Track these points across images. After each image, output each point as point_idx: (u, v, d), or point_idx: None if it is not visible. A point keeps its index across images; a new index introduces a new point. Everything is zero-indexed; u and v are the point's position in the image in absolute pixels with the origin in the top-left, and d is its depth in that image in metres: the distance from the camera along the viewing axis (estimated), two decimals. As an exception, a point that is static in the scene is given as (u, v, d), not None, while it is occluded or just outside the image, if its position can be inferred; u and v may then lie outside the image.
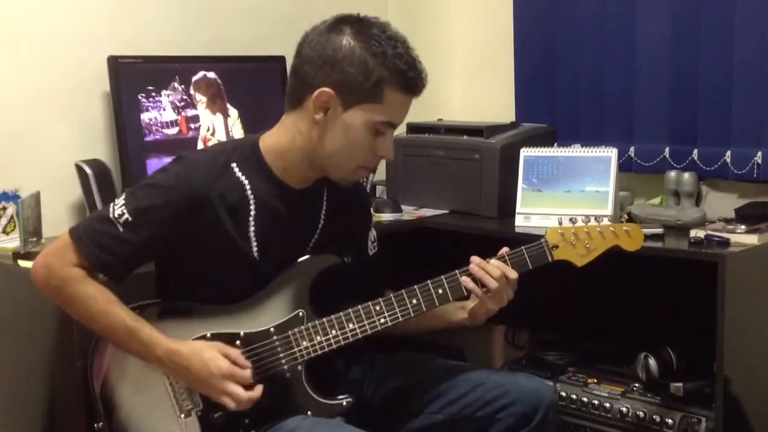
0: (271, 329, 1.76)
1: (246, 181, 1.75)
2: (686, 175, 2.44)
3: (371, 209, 2.08)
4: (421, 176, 2.72)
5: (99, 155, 2.47)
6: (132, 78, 2.49)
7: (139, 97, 2.50)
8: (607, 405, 2.31)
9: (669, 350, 2.25)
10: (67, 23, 2.49)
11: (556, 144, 2.71)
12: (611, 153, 2.40)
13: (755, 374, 2.15)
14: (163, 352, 1.70)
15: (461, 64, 3.14)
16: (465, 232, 2.51)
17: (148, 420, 1.77)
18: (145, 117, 2.51)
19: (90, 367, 1.79)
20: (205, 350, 1.70)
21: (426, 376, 1.91)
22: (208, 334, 1.75)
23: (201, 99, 2.63)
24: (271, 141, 1.78)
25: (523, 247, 1.83)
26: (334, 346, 1.76)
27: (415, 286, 1.79)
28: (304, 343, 1.75)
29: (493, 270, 1.79)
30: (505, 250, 1.83)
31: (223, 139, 2.66)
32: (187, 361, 1.69)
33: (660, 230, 2.19)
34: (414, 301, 1.78)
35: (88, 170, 2.35)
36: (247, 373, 1.70)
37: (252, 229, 1.75)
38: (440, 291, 1.79)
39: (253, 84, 2.73)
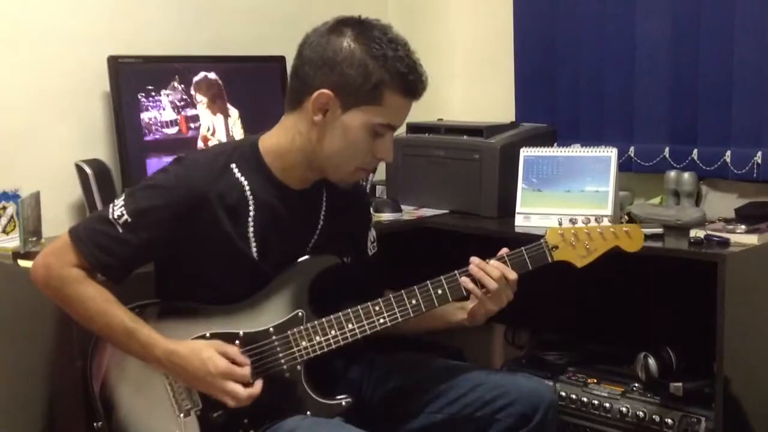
0: (271, 329, 1.76)
1: (245, 182, 1.75)
2: (686, 175, 2.44)
3: (371, 209, 2.08)
4: (421, 176, 2.72)
5: (99, 155, 2.47)
6: (132, 78, 2.49)
7: (139, 97, 2.50)
8: (607, 405, 2.31)
9: (669, 350, 2.25)
10: (67, 23, 2.49)
11: (556, 144, 2.71)
12: (611, 153, 2.40)
13: (755, 374, 2.15)
14: (161, 353, 1.70)
15: (461, 64, 3.14)
16: (465, 232, 2.51)
17: (148, 420, 1.77)
18: (144, 117, 2.51)
19: (89, 367, 1.79)
20: (203, 349, 1.70)
21: (425, 377, 1.91)
22: (208, 334, 1.75)
23: (201, 99, 2.63)
24: (270, 142, 1.78)
25: (522, 248, 1.83)
26: (334, 347, 1.76)
27: (415, 287, 1.79)
28: (304, 343, 1.75)
29: (492, 271, 1.78)
30: (504, 250, 1.83)
31: (223, 139, 2.66)
32: (186, 361, 1.69)
33: (660, 230, 2.19)
34: (413, 302, 1.78)
35: (88, 170, 2.35)
36: (246, 370, 1.70)
37: (251, 229, 1.75)
38: (439, 291, 1.79)
39: (253, 84, 2.73)
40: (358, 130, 1.70)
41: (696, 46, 2.46)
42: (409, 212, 2.67)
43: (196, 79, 2.62)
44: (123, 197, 1.75)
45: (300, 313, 1.77)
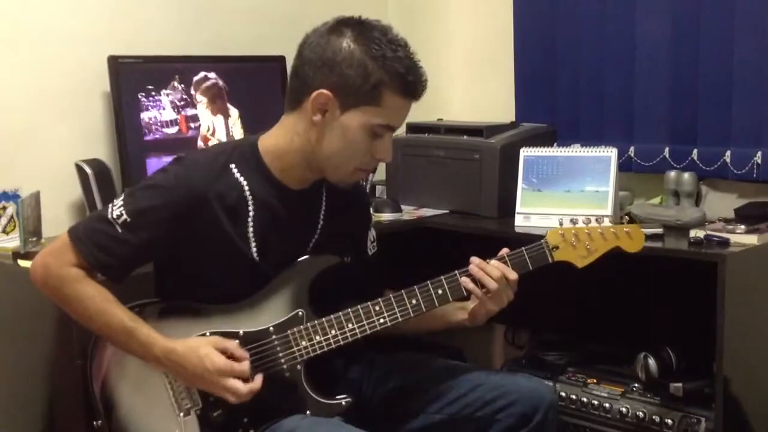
0: (271, 329, 1.76)
1: (244, 182, 1.75)
2: (686, 175, 2.44)
3: (371, 209, 2.08)
4: (421, 176, 2.72)
5: (99, 155, 2.47)
6: (132, 78, 2.49)
7: (139, 97, 2.50)
8: (607, 405, 2.31)
9: (669, 350, 2.25)
10: (67, 23, 2.49)
11: (556, 144, 2.70)
12: (611, 153, 2.40)
13: (755, 374, 2.15)
14: (160, 351, 1.70)
15: (461, 64, 3.14)
16: (465, 232, 2.51)
17: (148, 419, 1.77)
18: (144, 116, 2.51)
19: (89, 367, 1.79)
20: (201, 347, 1.70)
21: (425, 377, 1.91)
22: (208, 333, 1.75)
23: (201, 99, 2.63)
24: (269, 142, 1.79)
25: (523, 248, 1.83)
26: (333, 346, 1.76)
27: (415, 287, 1.79)
28: (303, 343, 1.75)
29: (492, 271, 1.78)
30: (505, 251, 1.83)
31: (223, 139, 2.66)
32: (184, 359, 1.69)
33: (660, 230, 2.19)
34: (413, 302, 1.78)
35: (88, 170, 2.35)
36: (245, 365, 1.70)
37: (251, 229, 1.75)
38: (440, 291, 1.79)
39: (253, 84, 2.74)
40: (357, 131, 1.70)
41: (696, 46, 2.46)
42: (409, 212, 2.67)
43: (195, 78, 2.62)
44: (122, 197, 1.75)
45: (300, 313, 1.77)
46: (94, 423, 1.79)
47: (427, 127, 2.77)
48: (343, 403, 1.77)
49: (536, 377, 2.01)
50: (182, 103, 2.59)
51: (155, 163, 2.47)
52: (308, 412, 1.75)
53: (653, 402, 2.25)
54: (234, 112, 2.71)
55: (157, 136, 2.54)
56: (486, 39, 3.07)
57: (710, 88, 2.44)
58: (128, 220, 1.70)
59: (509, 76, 2.91)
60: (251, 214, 1.75)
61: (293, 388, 1.76)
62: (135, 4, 2.63)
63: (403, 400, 1.89)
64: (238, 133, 2.70)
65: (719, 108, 2.42)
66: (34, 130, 2.44)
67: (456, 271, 1.80)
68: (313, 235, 1.83)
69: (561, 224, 1.89)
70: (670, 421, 2.19)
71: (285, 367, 1.75)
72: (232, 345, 1.71)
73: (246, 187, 1.75)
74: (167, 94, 2.56)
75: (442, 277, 1.80)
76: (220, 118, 2.68)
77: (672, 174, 2.46)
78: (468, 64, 3.13)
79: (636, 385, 2.31)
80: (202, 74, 2.63)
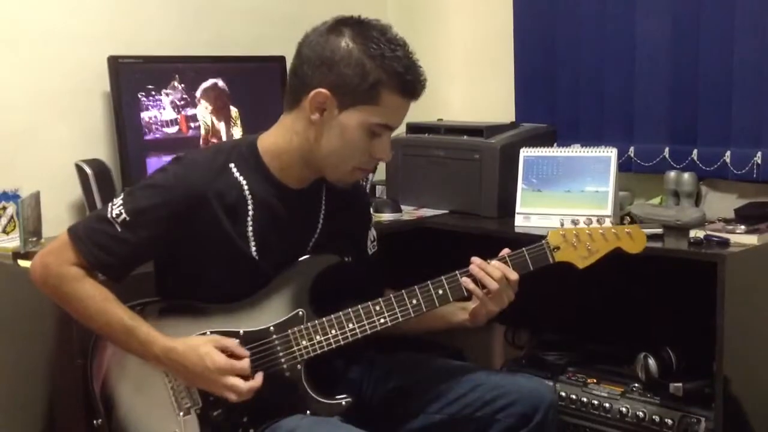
0: (271, 328, 1.76)
1: (244, 182, 1.75)
2: (686, 175, 2.44)
3: (371, 209, 2.08)
4: (421, 176, 2.72)
5: (99, 155, 2.47)
6: (132, 78, 2.49)
7: (139, 96, 2.50)
8: (607, 405, 2.31)
9: (669, 350, 2.25)
10: (67, 23, 2.49)
11: (556, 144, 2.70)
12: (611, 153, 2.40)
13: (755, 374, 2.15)
14: (160, 350, 1.70)
15: (461, 64, 3.14)
16: (465, 232, 2.51)
17: (148, 418, 1.77)
18: (145, 116, 2.51)
19: (90, 366, 1.79)
20: (201, 345, 1.70)
21: (425, 377, 1.91)
22: (208, 332, 1.75)
23: (207, 106, 2.64)
24: (269, 141, 1.79)
25: (524, 249, 1.83)
26: (334, 346, 1.76)
27: (415, 287, 1.79)
28: (304, 343, 1.75)
29: (493, 271, 1.78)
30: (506, 251, 1.83)
31: (224, 138, 2.66)
32: (184, 358, 1.69)
33: (660, 230, 2.19)
34: (414, 302, 1.78)
35: (88, 170, 2.35)
36: (245, 363, 1.70)
37: (250, 228, 1.75)
38: (440, 291, 1.79)
39: (253, 84, 2.74)
40: (355, 130, 1.70)
41: (696, 46, 2.46)
42: (409, 212, 2.67)
43: (204, 86, 2.62)
44: (122, 196, 1.75)
45: (300, 313, 1.77)
46: (94, 422, 1.79)
47: (427, 127, 2.77)
48: (343, 403, 1.77)
49: (536, 377, 2.01)
50: (182, 102, 2.59)
51: (155, 163, 2.47)
52: (308, 411, 1.75)
53: (653, 402, 2.25)
54: (234, 111, 2.71)
55: (158, 135, 2.54)
56: (486, 39, 3.07)
57: (710, 88, 2.44)
58: (128, 219, 1.70)
59: (509, 76, 2.91)
60: (250, 213, 1.75)
61: (293, 387, 1.76)
62: (135, 4, 2.63)
63: (403, 400, 1.89)
64: (237, 134, 2.70)
65: (719, 108, 2.42)
66: (34, 130, 2.45)
67: (457, 272, 1.80)
68: (313, 234, 1.83)
69: (562, 225, 1.89)
70: (670, 421, 2.19)
71: (285, 366, 1.75)
72: (232, 343, 1.71)
73: (245, 187, 1.75)
74: (167, 94, 2.56)
75: (442, 277, 1.80)
76: (220, 118, 2.68)
77: (672, 174, 2.46)
78: (468, 64, 3.13)
79: (636, 385, 2.31)
80: (211, 81, 2.64)
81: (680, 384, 2.19)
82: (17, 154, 2.41)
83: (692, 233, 2.16)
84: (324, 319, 1.76)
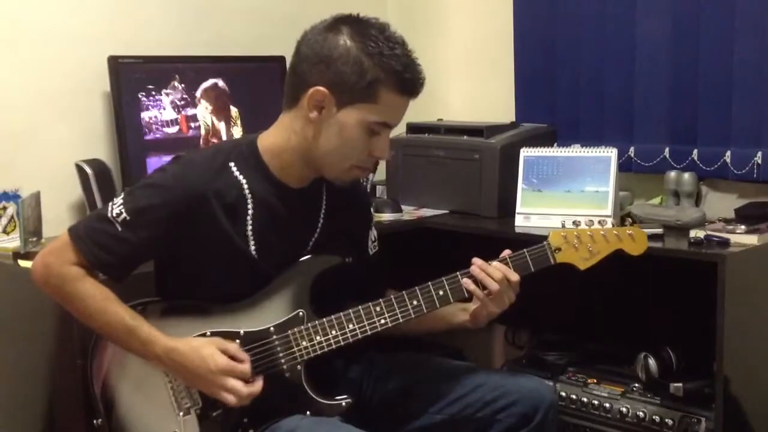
0: (271, 329, 1.76)
1: (244, 181, 1.75)
2: (686, 176, 2.44)
3: (371, 209, 2.08)
4: (421, 176, 2.72)
5: (99, 155, 2.47)
6: (132, 78, 2.49)
7: (140, 96, 2.50)
8: (607, 405, 2.31)
9: (669, 350, 2.25)
10: (67, 23, 2.49)
11: (556, 144, 2.70)
12: (611, 153, 2.40)
13: (755, 374, 2.15)
14: (161, 350, 1.70)
15: (461, 64, 3.14)
16: (465, 232, 2.51)
17: (148, 418, 1.77)
18: (145, 116, 2.51)
19: (90, 366, 1.79)
20: (203, 347, 1.70)
21: (426, 377, 1.91)
22: (208, 333, 1.75)
23: (207, 106, 2.64)
24: (268, 140, 1.78)
25: (525, 250, 1.82)
26: (334, 347, 1.76)
27: (416, 288, 1.79)
28: (304, 343, 1.75)
29: (494, 272, 1.78)
30: (507, 252, 1.83)
31: (224, 138, 2.66)
32: (185, 359, 1.69)
33: (660, 230, 2.19)
34: (414, 303, 1.78)
35: (88, 170, 2.35)
36: (246, 367, 1.70)
37: (250, 228, 1.75)
38: (441, 292, 1.79)
39: (253, 84, 2.74)
40: (354, 128, 1.70)
41: (696, 46, 2.46)
42: (409, 212, 2.67)
43: (204, 86, 2.62)
44: (122, 196, 1.75)
45: (301, 313, 1.77)
46: (94, 422, 1.80)
47: (427, 127, 2.77)
48: (343, 404, 1.77)
49: (536, 377, 2.01)
50: (182, 102, 2.59)
51: (155, 163, 2.47)
52: (308, 412, 1.75)
53: (653, 402, 2.25)
54: (234, 111, 2.71)
55: (158, 135, 2.54)
56: (486, 39, 3.07)
57: (710, 88, 2.44)
58: (128, 218, 1.70)
59: (509, 76, 2.91)
60: (250, 212, 1.75)
61: (293, 388, 1.76)
62: (135, 4, 2.63)
63: (403, 401, 1.89)
64: (237, 133, 2.70)
65: (719, 108, 2.42)
66: (34, 130, 2.45)
67: (457, 272, 1.80)
68: (313, 233, 1.83)
69: (563, 226, 1.89)
70: (670, 421, 2.19)
71: (285, 367, 1.75)
72: (234, 347, 1.71)
73: (245, 186, 1.75)
74: (167, 94, 2.56)
75: (443, 278, 1.80)
76: (220, 118, 2.68)
77: (672, 174, 2.46)
78: (468, 64, 3.13)
79: (636, 385, 2.31)
80: (211, 82, 2.64)
81: (680, 384, 2.19)
82: (17, 154, 2.41)
83: (692, 233, 2.16)
84: (324, 319, 1.76)
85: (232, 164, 1.76)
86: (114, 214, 1.71)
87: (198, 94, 2.62)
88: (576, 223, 1.86)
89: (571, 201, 2.39)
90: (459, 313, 1.90)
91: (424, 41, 2.81)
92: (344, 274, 1.83)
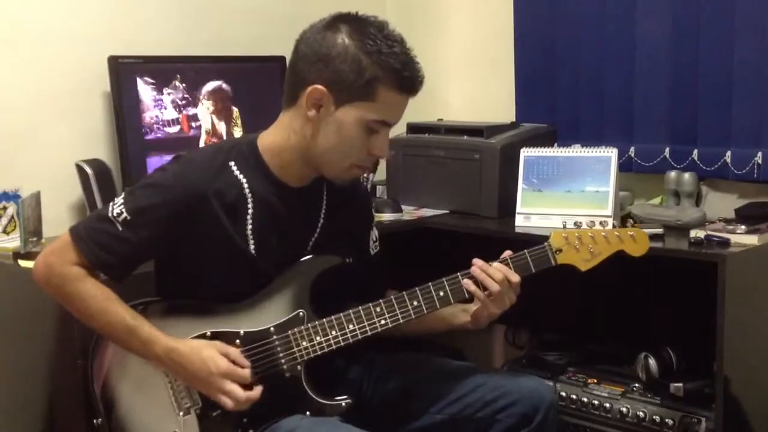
0: (271, 329, 1.76)
1: (244, 180, 1.75)
2: (686, 176, 2.44)
3: (372, 209, 2.07)
4: (421, 176, 2.72)
5: (99, 155, 2.47)
6: (132, 78, 2.49)
7: (140, 96, 2.50)
8: (607, 405, 2.31)
9: (669, 350, 2.25)
10: (67, 23, 2.49)
11: (556, 144, 2.71)
12: (611, 153, 2.40)
13: (755, 374, 2.15)
14: (162, 350, 1.70)
15: (461, 64, 3.14)
16: (465, 232, 2.51)
17: (148, 418, 1.77)
18: (146, 115, 2.51)
19: (90, 366, 1.79)
20: (204, 348, 1.70)
21: (426, 377, 1.91)
22: (209, 333, 1.75)
23: (209, 106, 2.64)
24: (268, 139, 1.78)
25: (526, 251, 1.82)
26: (334, 347, 1.76)
27: (416, 288, 1.79)
28: (304, 344, 1.75)
29: (495, 273, 1.78)
30: (508, 253, 1.82)
31: (224, 138, 2.66)
32: (186, 359, 1.69)
33: (660, 230, 2.19)
34: (415, 303, 1.78)
35: (88, 170, 2.35)
36: (246, 372, 1.70)
37: (249, 227, 1.75)
38: (441, 293, 1.79)
39: (253, 84, 2.74)
40: (352, 126, 1.70)
41: (696, 46, 2.46)
42: (410, 212, 2.67)
43: (208, 88, 2.62)
44: (123, 195, 1.75)
45: (301, 313, 1.77)
46: (94, 421, 1.80)
47: (427, 127, 2.77)
48: (343, 404, 1.77)
49: (537, 377, 2.01)
50: (183, 102, 2.59)
51: (156, 162, 2.47)
52: (308, 412, 1.75)
53: (653, 402, 2.25)
54: (234, 111, 2.71)
55: (159, 135, 2.54)
56: (486, 39, 3.07)
57: (710, 88, 2.44)
58: (128, 218, 1.70)
59: (509, 76, 2.91)
60: (250, 211, 1.75)
61: (293, 388, 1.75)
62: (135, 4, 2.63)
63: (403, 401, 1.89)
64: (238, 133, 2.70)
65: (719, 108, 2.42)
66: (34, 130, 2.45)
67: (458, 273, 1.80)
68: (313, 233, 1.83)
69: (564, 227, 1.89)
70: (670, 421, 2.19)
71: (285, 367, 1.75)
72: (235, 352, 1.71)
73: (245, 185, 1.75)
74: (168, 93, 2.56)
75: (443, 279, 1.80)
76: (221, 118, 2.68)
77: (672, 174, 2.46)
78: (468, 64, 3.13)
79: (636, 385, 2.31)
80: (215, 83, 2.64)
81: (680, 384, 2.19)
82: (17, 154, 2.41)
83: (693, 233, 2.16)
84: (324, 320, 1.76)
85: (232, 163, 1.75)
86: (114, 214, 1.71)
87: (202, 95, 2.61)
88: (577, 224, 1.86)
89: (572, 201, 2.39)
90: (459, 314, 1.89)
91: (424, 41, 2.81)
92: (344, 275, 1.83)
